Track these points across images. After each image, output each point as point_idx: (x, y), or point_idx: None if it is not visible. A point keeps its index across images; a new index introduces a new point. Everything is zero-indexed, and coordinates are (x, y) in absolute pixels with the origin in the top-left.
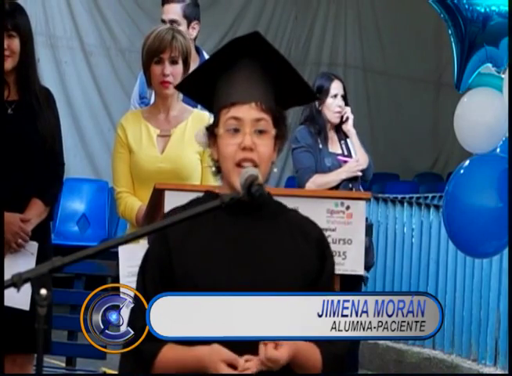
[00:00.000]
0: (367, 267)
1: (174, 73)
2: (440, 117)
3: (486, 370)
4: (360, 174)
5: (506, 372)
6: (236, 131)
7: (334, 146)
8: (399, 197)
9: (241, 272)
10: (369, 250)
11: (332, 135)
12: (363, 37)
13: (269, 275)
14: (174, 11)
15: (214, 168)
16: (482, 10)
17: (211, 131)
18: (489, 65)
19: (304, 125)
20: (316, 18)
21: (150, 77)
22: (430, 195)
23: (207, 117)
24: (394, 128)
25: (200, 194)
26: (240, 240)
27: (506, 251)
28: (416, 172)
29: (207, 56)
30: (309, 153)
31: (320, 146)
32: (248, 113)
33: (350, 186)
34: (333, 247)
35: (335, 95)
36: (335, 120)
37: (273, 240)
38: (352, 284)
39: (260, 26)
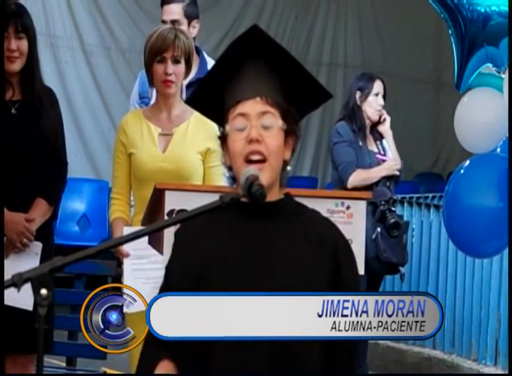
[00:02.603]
0: (402, 264)
1: (177, 72)
2: (440, 117)
3: (486, 370)
4: (398, 173)
5: (507, 372)
6: (243, 127)
7: (371, 145)
8: (399, 196)
9: (253, 274)
10: (405, 247)
11: (368, 135)
12: (363, 37)
13: (281, 277)
14: (175, 11)
15: (227, 175)
16: (482, 10)
17: (222, 136)
18: (489, 65)
19: (343, 121)
20: (316, 18)
21: (152, 76)
22: (431, 195)
23: None
24: (394, 128)
25: (206, 194)
26: (254, 241)
27: (506, 251)
28: (416, 172)
29: (206, 57)
30: (352, 148)
31: (360, 143)
32: (253, 107)
33: (387, 184)
34: None
35: (377, 94)
36: (375, 117)
37: (286, 242)
38: (373, 282)
39: (260, 26)
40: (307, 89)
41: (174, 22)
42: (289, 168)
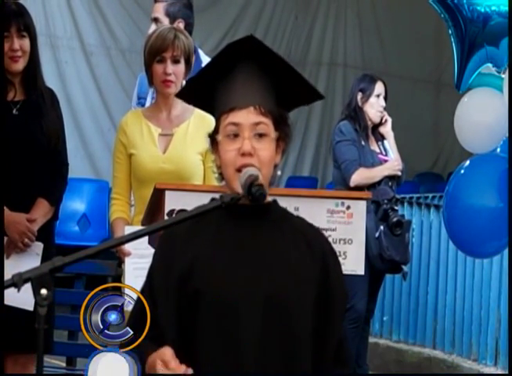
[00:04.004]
0: (405, 262)
1: (176, 72)
2: (440, 117)
3: (487, 370)
4: (400, 174)
5: (507, 372)
6: (235, 136)
7: (373, 146)
8: (399, 196)
9: (242, 275)
10: (407, 246)
11: (370, 135)
12: (363, 37)
13: (270, 281)
14: (157, 9)
15: (216, 175)
16: (482, 10)
17: (213, 138)
18: (489, 65)
19: (346, 121)
20: (316, 18)
21: (152, 75)
22: (431, 195)
23: (208, 118)
24: (395, 128)
25: (206, 194)
26: (242, 242)
27: (506, 251)
28: (416, 172)
29: (202, 54)
30: (355, 147)
31: (363, 142)
32: (247, 117)
33: (390, 183)
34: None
35: (378, 95)
36: (376, 119)
37: (276, 246)
38: (375, 281)
39: (260, 26)
40: (299, 91)
41: (155, 20)
42: (279, 172)
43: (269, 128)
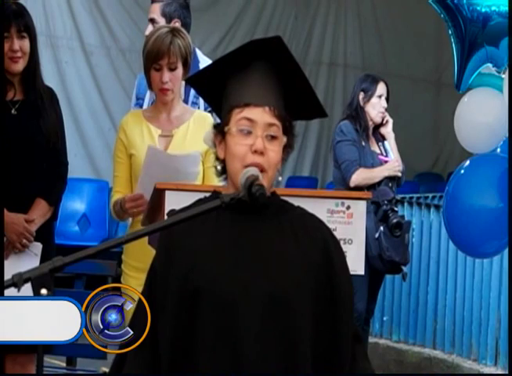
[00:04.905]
0: (405, 263)
1: (173, 79)
2: (440, 117)
3: (487, 370)
4: (400, 174)
5: (507, 372)
6: (249, 132)
7: (374, 146)
8: (399, 197)
9: (241, 272)
10: (407, 247)
11: (371, 136)
12: (363, 37)
13: (269, 277)
14: (153, 10)
15: (219, 168)
16: (482, 10)
17: (220, 130)
18: (489, 65)
19: (347, 121)
20: (316, 18)
21: (150, 81)
22: (431, 195)
23: (208, 118)
24: (395, 128)
25: (206, 194)
26: (241, 239)
27: (506, 251)
28: (416, 172)
29: (200, 54)
30: (355, 147)
31: (363, 143)
32: (261, 116)
33: (390, 184)
34: None
35: (380, 96)
36: (378, 119)
37: (275, 240)
38: (375, 281)
39: (260, 26)
40: (306, 104)
41: (152, 20)
42: (280, 178)
43: (280, 131)
